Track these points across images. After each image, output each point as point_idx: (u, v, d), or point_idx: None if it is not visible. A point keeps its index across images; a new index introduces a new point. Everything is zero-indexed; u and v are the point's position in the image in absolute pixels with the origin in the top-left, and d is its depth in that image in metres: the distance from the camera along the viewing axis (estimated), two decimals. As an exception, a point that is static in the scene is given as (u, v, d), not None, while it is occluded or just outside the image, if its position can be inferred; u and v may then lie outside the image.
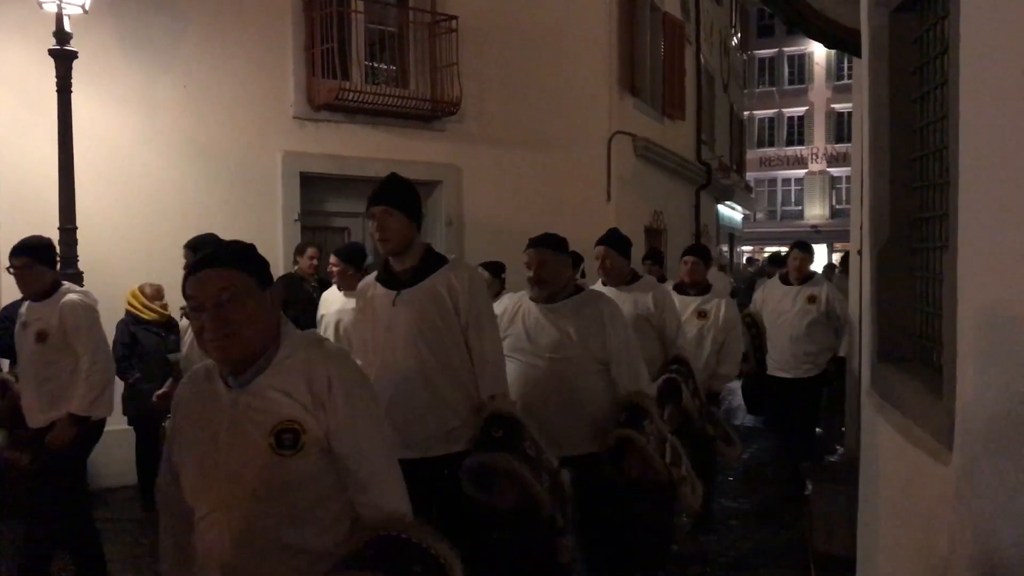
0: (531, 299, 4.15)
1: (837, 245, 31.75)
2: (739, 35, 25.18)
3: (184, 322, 7.00)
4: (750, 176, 31.95)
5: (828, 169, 39.46)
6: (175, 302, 6.97)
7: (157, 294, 6.78)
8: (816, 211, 39.80)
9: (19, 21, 6.93)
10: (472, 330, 3.58)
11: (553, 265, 4.09)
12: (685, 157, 14.96)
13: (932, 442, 2.30)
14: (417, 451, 3.44)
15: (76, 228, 6.11)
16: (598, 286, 5.03)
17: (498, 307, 4.36)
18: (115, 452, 7.10)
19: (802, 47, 38.35)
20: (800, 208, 40.54)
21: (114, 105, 7.60)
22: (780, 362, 6.92)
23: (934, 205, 2.75)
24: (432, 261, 3.65)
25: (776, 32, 38.09)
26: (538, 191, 10.06)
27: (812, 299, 6.79)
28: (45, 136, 6.48)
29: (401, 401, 3.52)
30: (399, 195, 3.64)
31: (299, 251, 7.38)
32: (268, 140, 8.48)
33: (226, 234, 8.18)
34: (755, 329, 6.91)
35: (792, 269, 7.00)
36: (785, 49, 39.63)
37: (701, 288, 5.93)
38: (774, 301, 7.01)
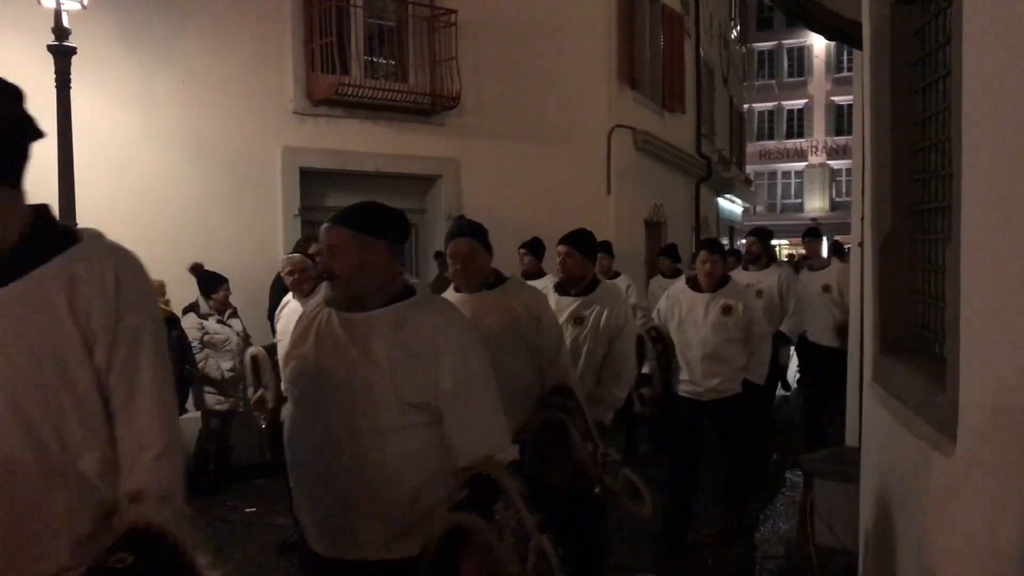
0: (326, 303, 2.70)
1: (837, 238, 31.73)
2: (738, 28, 25.14)
3: (191, 317, 7.03)
4: (750, 169, 31.92)
5: (828, 162, 39.42)
6: (176, 298, 6.97)
7: (158, 290, 6.77)
8: (816, 204, 39.76)
9: (17, 17, 6.91)
10: (117, 376, 1.82)
11: (352, 254, 2.56)
12: (685, 150, 14.94)
13: (935, 434, 2.30)
14: None
15: (76, 224, 6.10)
16: (449, 294, 3.83)
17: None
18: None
19: (801, 39, 38.28)
20: (800, 201, 40.52)
21: (113, 100, 7.58)
22: (689, 382, 5.70)
23: (936, 196, 2.75)
24: (45, 238, 1.92)
25: (775, 25, 38.02)
26: (538, 184, 10.05)
27: (727, 310, 5.59)
28: (44, 131, 6.46)
29: None
30: None
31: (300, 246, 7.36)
32: (268, 135, 8.47)
33: (225, 229, 8.26)
34: (660, 344, 5.74)
35: (701, 274, 5.67)
36: (784, 41, 39.57)
37: (584, 287, 4.67)
38: (681, 311, 5.73)
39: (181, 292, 7.00)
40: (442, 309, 2.69)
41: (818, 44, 37.52)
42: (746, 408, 5.76)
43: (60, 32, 6.11)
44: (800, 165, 40.41)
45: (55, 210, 5.77)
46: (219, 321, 7.11)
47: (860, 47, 4.01)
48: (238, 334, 7.12)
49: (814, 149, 39.93)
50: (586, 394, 4.07)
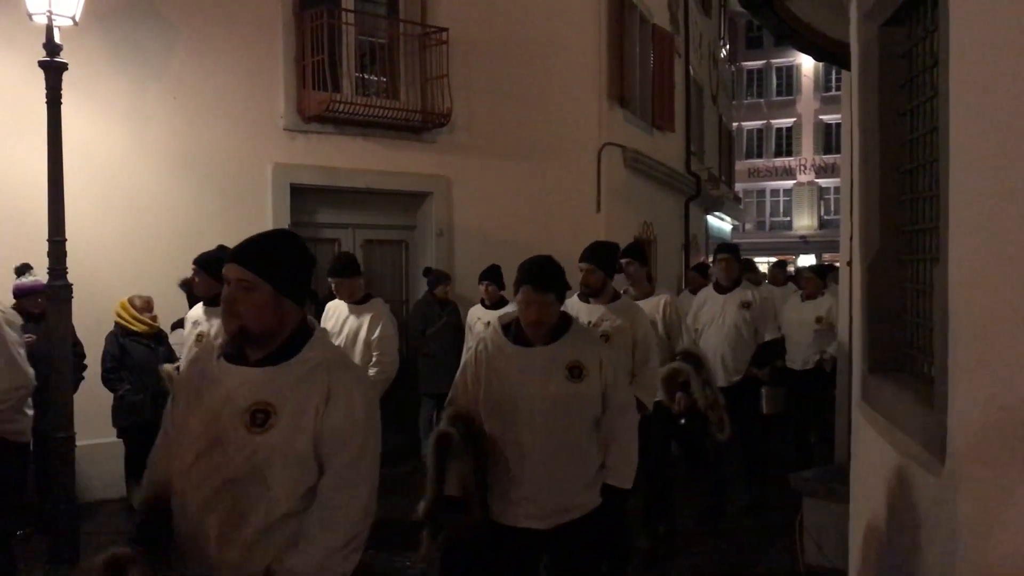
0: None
1: (826, 256, 31.92)
2: (728, 47, 25.30)
3: (178, 333, 7.00)
4: (739, 187, 32.06)
5: (816, 180, 39.65)
6: (164, 314, 6.95)
7: (147, 306, 6.75)
8: (804, 222, 39.97)
9: (8, 33, 6.90)
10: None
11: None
12: (674, 168, 15.00)
13: (923, 453, 2.31)
14: None
15: (65, 240, 6.06)
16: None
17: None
18: (103, 465, 7.07)
19: (790, 59, 38.59)
20: (788, 219, 40.71)
21: (104, 117, 7.57)
22: (522, 501, 3.47)
23: (924, 217, 2.77)
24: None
25: (764, 44, 38.31)
26: (528, 202, 10.07)
27: (576, 372, 3.48)
28: (35, 148, 6.44)
29: None
30: None
31: (289, 262, 7.35)
32: (258, 151, 8.46)
33: (215, 245, 8.25)
34: (472, 444, 3.46)
35: (524, 322, 3.53)
36: (773, 61, 39.87)
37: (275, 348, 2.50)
38: (502, 382, 3.53)
39: (170, 308, 6.98)
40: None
41: (806, 63, 37.79)
42: (608, 529, 3.83)
43: (51, 48, 6.09)
44: (789, 183, 40.62)
45: (45, 225, 5.69)
46: (208, 337, 7.08)
47: (848, 67, 4.05)
48: (227, 350, 7.07)
49: (802, 167, 40.16)
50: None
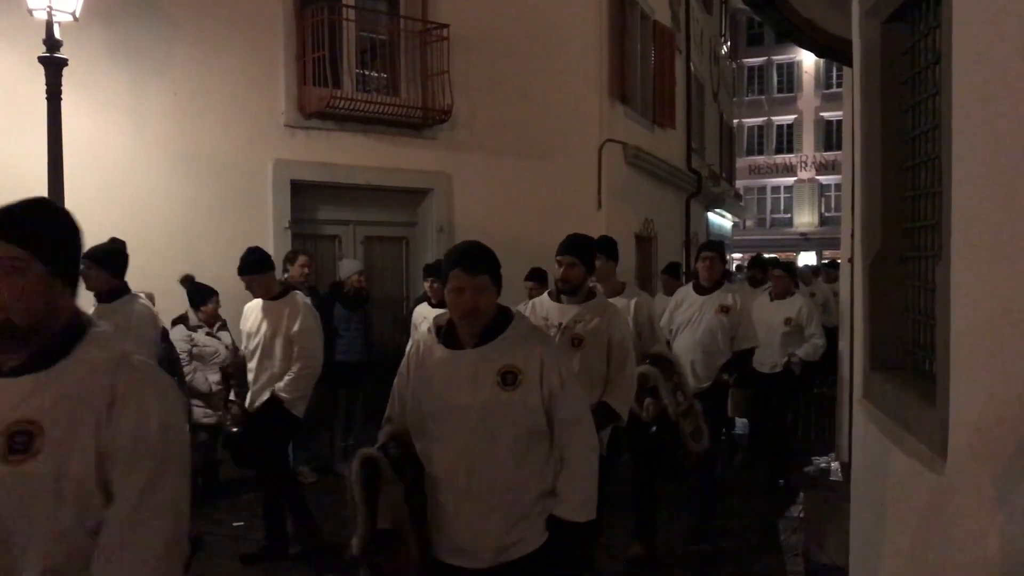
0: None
1: (826, 253, 31.94)
2: (728, 44, 25.28)
3: (179, 329, 7.00)
4: (739, 184, 32.03)
5: (817, 177, 39.63)
6: (165, 310, 6.94)
7: (148, 302, 6.74)
8: (805, 219, 39.95)
9: (8, 28, 6.90)
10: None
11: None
12: (675, 165, 15.00)
13: (925, 451, 2.30)
14: None
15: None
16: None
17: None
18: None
19: (791, 55, 38.54)
20: (789, 216, 40.70)
21: (104, 112, 7.56)
22: (450, 534, 2.96)
23: (926, 214, 2.76)
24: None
25: (765, 41, 38.27)
26: (529, 199, 10.07)
27: (509, 378, 2.89)
28: (34, 143, 6.45)
29: None
30: None
31: (290, 259, 7.35)
32: (259, 148, 8.46)
33: (215, 242, 8.26)
34: (412, 469, 3.03)
35: (457, 316, 3.03)
36: (774, 57, 39.83)
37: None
38: (436, 391, 2.95)
39: (170, 304, 6.97)
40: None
41: (807, 60, 37.76)
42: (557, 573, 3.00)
43: (51, 44, 6.09)
44: (789, 180, 40.61)
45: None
46: (208, 334, 7.08)
47: (849, 64, 4.04)
48: (227, 347, 7.09)
49: (803, 164, 40.15)
50: None
